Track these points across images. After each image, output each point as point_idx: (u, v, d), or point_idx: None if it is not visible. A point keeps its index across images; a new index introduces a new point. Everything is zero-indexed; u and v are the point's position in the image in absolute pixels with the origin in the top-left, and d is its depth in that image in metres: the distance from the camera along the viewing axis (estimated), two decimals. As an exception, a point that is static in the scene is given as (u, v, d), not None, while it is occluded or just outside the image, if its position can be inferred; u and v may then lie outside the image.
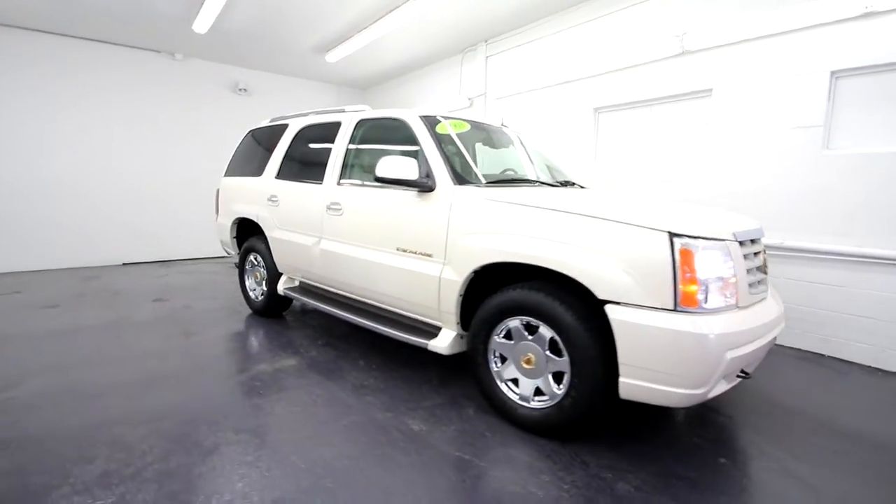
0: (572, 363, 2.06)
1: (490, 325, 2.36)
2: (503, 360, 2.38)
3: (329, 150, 3.41)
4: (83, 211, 6.45)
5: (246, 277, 4.34)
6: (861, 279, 3.30)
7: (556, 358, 2.14)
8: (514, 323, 2.28)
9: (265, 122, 4.42)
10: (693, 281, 1.81)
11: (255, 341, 3.55)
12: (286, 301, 4.06)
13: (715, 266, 1.87)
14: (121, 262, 6.78)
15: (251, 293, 4.29)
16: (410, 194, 2.71)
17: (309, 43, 6.30)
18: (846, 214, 3.34)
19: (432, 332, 2.73)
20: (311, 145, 3.70)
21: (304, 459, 2.01)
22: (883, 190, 3.16)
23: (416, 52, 6.70)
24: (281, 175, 3.80)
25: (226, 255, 4.94)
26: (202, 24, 5.36)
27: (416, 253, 2.66)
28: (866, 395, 2.89)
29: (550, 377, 2.19)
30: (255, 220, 3.94)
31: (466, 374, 3.00)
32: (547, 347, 2.17)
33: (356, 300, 3.23)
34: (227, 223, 4.40)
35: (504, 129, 3.60)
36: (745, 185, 3.81)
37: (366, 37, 5.91)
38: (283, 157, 3.83)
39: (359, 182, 3.13)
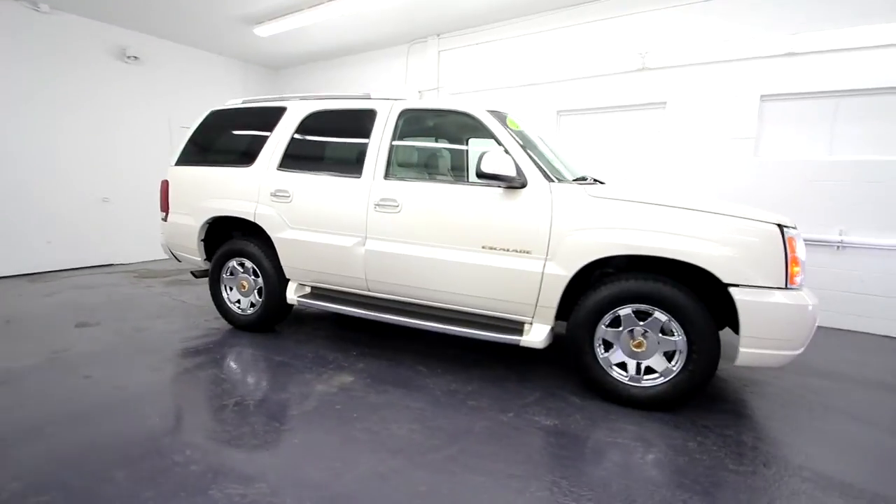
0: (690, 342, 2.33)
1: (598, 315, 2.50)
2: (607, 346, 2.54)
3: (361, 140, 3.08)
4: None
5: (223, 288, 3.62)
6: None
7: (670, 338, 2.39)
8: (626, 311, 2.45)
9: (234, 103, 3.74)
10: (796, 262, 2.22)
11: (274, 361, 3.03)
12: (285, 312, 3.54)
13: (802, 250, 2.32)
14: (-39, 280, 4.93)
15: (233, 306, 3.61)
16: (496, 191, 2.66)
17: (241, 11, 5.42)
18: (771, 207, 4.32)
19: (512, 328, 2.75)
20: (331, 134, 3.28)
21: (484, 476, 1.88)
22: (798, 188, 4.19)
23: (356, 36, 6.30)
24: (286, 166, 3.28)
25: (169, 258, 4.03)
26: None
27: (508, 250, 2.63)
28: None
29: (663, 356, 2.43)
30: (251, 219, 3.33)
31: (535, 365, 3.07)
32: (659, 330, 2.41)
33: (409, 303, 3.02)
34: (193, 223, 3.60)
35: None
36: (692, 183, 4.62)
37: (311, 16, 5.35)
38: (287, 146, 3.31)
39: (417, 176, 2.93)
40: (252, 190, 3.35)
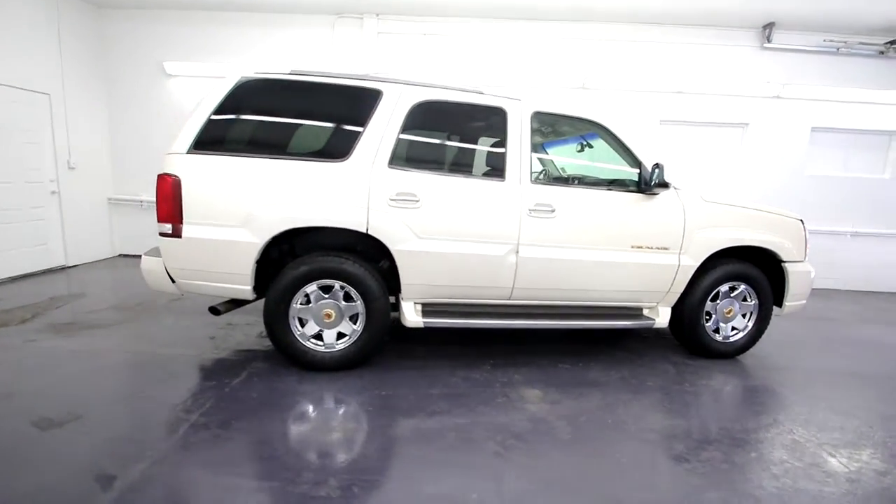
0: (761, 303, 3.32)
1: (707, 293, 3.23)
2: (708, 316, 3.31)
3: (493, 139, 2.93)
4: None
5: (292, 322, 2.72)
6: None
7: (747, 303, 3.33)
8: (725, 287, 3.26)
9: (275, 73, 2.77)
10: (807, 243, 3.45)
11: (435, 395, 2.59)
12: (386, 339, 2.95)
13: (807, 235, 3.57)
14: None
15: (309, 342, 2.77)
16: (637, 196, 3.03)
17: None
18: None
19: (632, 314, 3.23)
20: (445, 129, 2.92)
21: (748, 428, 2.35)
22: (680, 188, 5.92)
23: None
24: (400, 165, 2.74)
25: (164, 289, 2.71)
26: None
27: (652, 248, 3.05)
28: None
29: (741, 317, 3.36)
30: (363, 229, 2.64)
31: (627, 344, 3.59)
32: (742, 298, 3.32)
33: (528, 306, 3.07)
34: (249, 239, 2.57)
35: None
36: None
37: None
38: (397, 140, 2.75)
39: (566, 181, 3.00)
40: (357, 192, 2.65)
